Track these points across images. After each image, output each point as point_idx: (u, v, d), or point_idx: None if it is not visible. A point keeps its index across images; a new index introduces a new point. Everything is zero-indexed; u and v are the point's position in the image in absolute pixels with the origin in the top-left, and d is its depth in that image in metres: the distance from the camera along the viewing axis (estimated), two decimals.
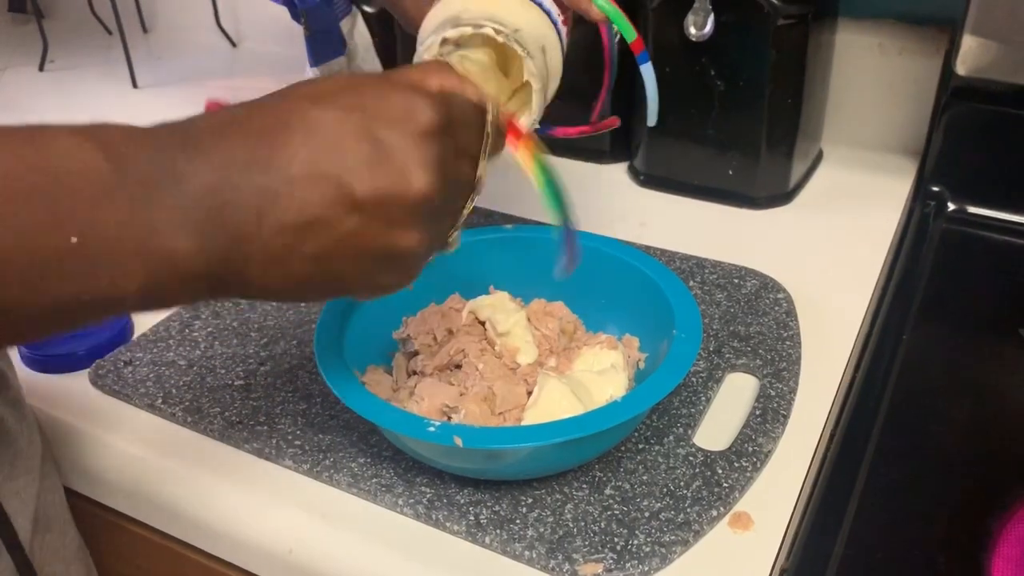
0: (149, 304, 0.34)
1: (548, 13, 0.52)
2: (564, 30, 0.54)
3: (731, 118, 0.74)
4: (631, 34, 0.56)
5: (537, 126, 0.54)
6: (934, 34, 0.77)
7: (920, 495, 0.51)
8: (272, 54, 1.13)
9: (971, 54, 0.70)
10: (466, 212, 0.42)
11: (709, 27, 0.69)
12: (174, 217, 0.33)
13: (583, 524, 0.47)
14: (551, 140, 0.52)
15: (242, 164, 0.34)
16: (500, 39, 0.49)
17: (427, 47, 0.50)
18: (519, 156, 0.42)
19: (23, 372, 0.60)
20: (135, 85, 1.06)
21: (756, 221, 0.75)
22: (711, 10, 0.69)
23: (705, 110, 0.74)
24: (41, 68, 1.12)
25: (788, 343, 0.59)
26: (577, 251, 0.44)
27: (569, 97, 0.58)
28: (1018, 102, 0.71)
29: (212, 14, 1.15)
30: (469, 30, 0.49)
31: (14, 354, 0.61)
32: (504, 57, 0.52)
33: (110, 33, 1.20)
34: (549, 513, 0.48)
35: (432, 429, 0.45)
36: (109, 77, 1.08)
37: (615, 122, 0.62)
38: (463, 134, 0.39)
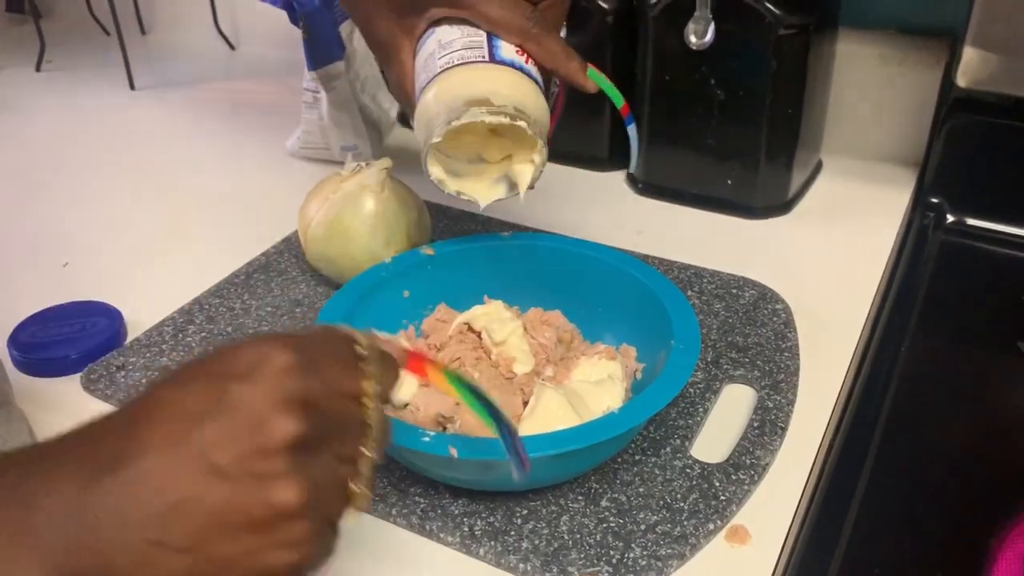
0: None
1: (529, 74, 0.53)
2: (552, 91, 0.57)
3: (731, 127, 0.73)
4: (620, 100, 0.58)
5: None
6: (935, 45, 0.76)
7: (919, 509, 0.51)
8: (271, 58, 1.12)
9: (971, 66, 0.70)
10: (369, 454, 0.35)
11: (710, 36, 0.69)
12: (28, 549, 0.29)
13: (578, 536, 0.47)
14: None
15: (89, 476, 0.30)
16: (530, 131, 0.51)
17: (444, 128, 0.50)
18: (432, 382, 0.40)
19: (15, 376, 0.60)
20: (132, 87, 1.05)
21: (755, 231, 0.75)
22: (712, 19, 0.69)
23: (705, 119, 0.74)
24: (38, 68, 1.12)
25: (786, 354, 0.59)
26: (524, 454, 0.40)
27: None
28: (1018, 114, 0.70)
29: (211, 17, 1.14)
30: (505, 120, 0.50)
31: (5, 357, 0.61)
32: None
33: (108, 34, 1.20)
34: (544, 525, 0.47)
35: (427, 439, 0.45)
36: (106, 78, 1.08)
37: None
38: (328, 369, 0.34)
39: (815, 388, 0.57)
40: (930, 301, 0.67)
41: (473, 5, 0.52)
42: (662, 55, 0.73)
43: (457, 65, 0.51)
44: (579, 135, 0.84)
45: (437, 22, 0.54)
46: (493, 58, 0.52)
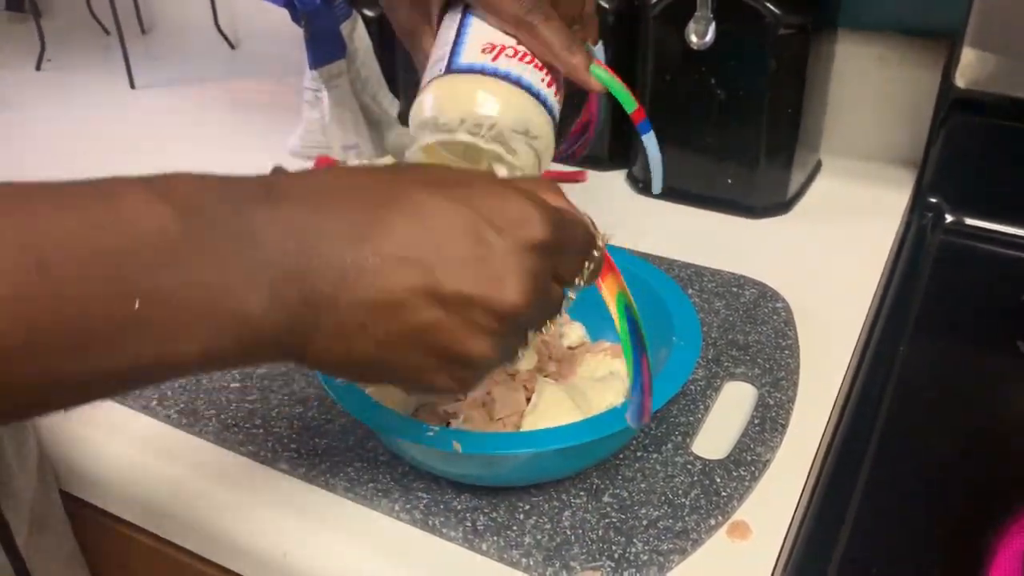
0: (204, 369, 0.33)
1: (528, 88, 0.46)
2: (555, 98, 0.49)
3: (731, 127, 0.74)
4: (631, 104, 0.51)
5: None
6: (934, 46, 0.77)
7: (918, 506, 0.51)
8: (271, 56, 1.12)
9: (970, 66, 0.70)
10: (542, 335, 0.40)
11: (710, 36, 0.70)
12: (247, 278, 0.31)
13: (580, 532, 0.47)
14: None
15: (331, 233, 0.33)
16: (482, 144, 0.45)
17: (413, 152, 0.47)
18: (604, 290, 0.42)
19: None
20: (133, 86, 1.06)
21: (754, 230, 0.75)
22: (712, 18, 0.69)
23: (705, 118, 0.74)
24: (38, 67, 1.12)
25: (787, 352, 0.59)
26: (650, 403, 0.41)
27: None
28: (1017, 115, 0.71)
29: (211, 16, 1.14)
30: (447, 137, 0.45)
31: None
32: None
33: (108, 33, 1.20)
34: (547, 520, 0.48)
35: (431, 434, 0.45)
36: (107, 77, 1.08)
37: (583, 177, 0.57)
38: (567, 258, 0.38)
39: (815, 386, 0.57)
40: (928, 301, 0.67)
41: None
42: (662, 55, 0.74)
43: (436, 77, 0.47)
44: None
45: (452, 7, 0.49)
46: (450, 67, 0.46)
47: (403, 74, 0.92)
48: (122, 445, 0.55)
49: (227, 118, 1.00)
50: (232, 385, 0.57)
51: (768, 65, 0.70)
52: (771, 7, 0.68)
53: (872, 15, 0.79)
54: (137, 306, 0.29)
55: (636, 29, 0.75)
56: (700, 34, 0.70)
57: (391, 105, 0.92)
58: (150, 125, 0.99)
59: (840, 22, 0.78)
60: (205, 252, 0.31)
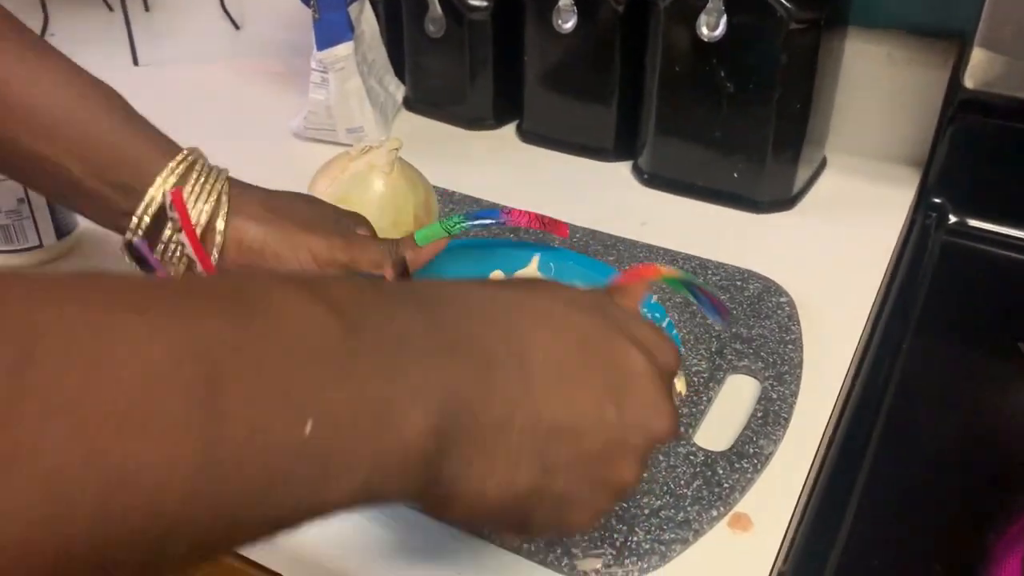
0: (355, 506, 0.28)
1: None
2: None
3: (739, 120, 0.73)
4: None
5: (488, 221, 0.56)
6: (944, 46, 0.77)
7: (919, 503, 0.51)
8: (276, 39, 1.12)
9: (979, 68, 0.70)
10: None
11: (721, 28, 0.69)
12: (411, 388, 0.28)
13: None
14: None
15: (498, 347, 0.31)
16: None
17: None
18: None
19: None
20: (136, 62, 1.05)
21: (759, 225, 0.75)
22: (724, 11, 0.69)
23: (713, 111, 0.74)
24: None
25: (790, 347, 0.59)
26: (722, 305, 0.47)
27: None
28: None
29: None
30: None
31: None
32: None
33: (111, 10, 1.19)
34: None
35: None
36: (110, 53, 1.07)
37: (564, 231, 0.59)
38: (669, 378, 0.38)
39: (818, 380, 0.57)
40: (931, 300, 0.67)
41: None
42: (673, 46, 0.73)
43: None
44: (585, 126, 0.84)
45: None
46: None
47: (409, 58, 0.92)
48: None
49: (229, 98, 0.99)
50: None
51: (779, 59, 0.70)
52: (784, 1, 0.68)
53: (883, 13, 0.79)
54: (308, 430, 0.24)
55: (647, 19, 0.75)
56: (711, 26, 0.70)
57: (397, 89, 0.91)
58: (152, 102, 0.97)
59: (850, 20, 0.77)
60: (372, 361, 0.27)
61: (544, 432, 0.31)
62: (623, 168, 0.84)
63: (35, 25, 1.12)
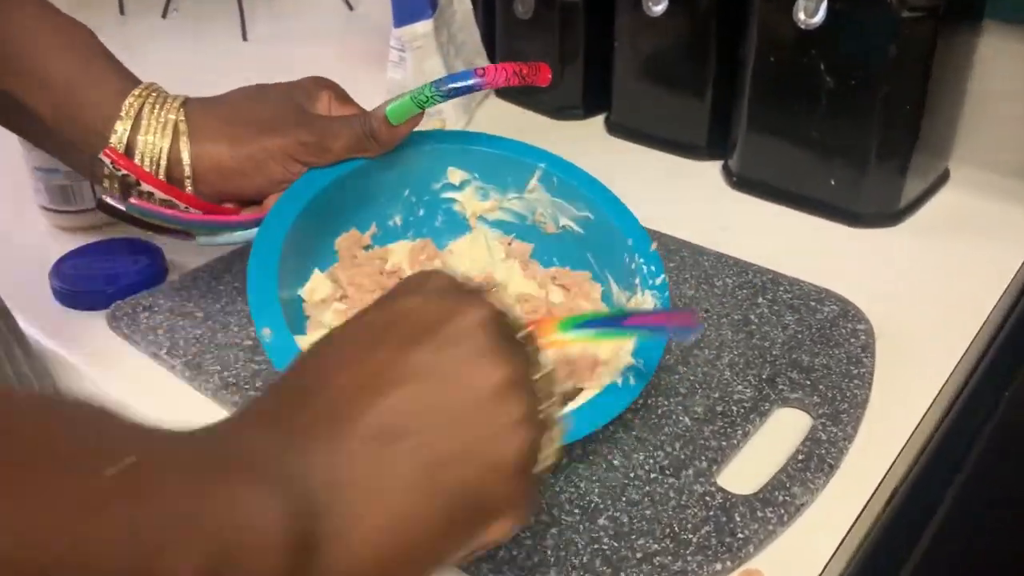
0: None
1: None
2: None
3: (839, 121, 0.65)
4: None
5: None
6: None
7: None
8: (388, 20, 1.10)
9: None
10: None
11: (821, 14, 0.61)
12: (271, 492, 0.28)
13: (563, 555, 0.41)
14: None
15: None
16: None
17: None
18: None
19: (52, 305, 0.60)
20: (245, 38, 1.06)
21: (853, 240, 0.66)
22: None
23: (810, 109, 0.65)
24: (164, 15, 1.14)
25: (856, 382, 0.51)
26: (680, 315, 0.44)
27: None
28: None
29: None
30: None
31: (45, 288, 0.60)
32: None
33: None
34: (528, 535, 0.42)
35: None
36: (223, 28, 1.09)
37: (546, 75, 0.52)
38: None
39: (882, 426, 0.49)
40: None
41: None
42: (769, 35, 0.66)
43: None
44: (676, 120, 0.77)
45: None
46: None
47: (500, 41, 0.87)
48: (123, 389, 0.53)
49: (328, 76, 0.98)
50: (245, 343, 0.55)
51: (887, 52, 0.61)
52: None
53: None
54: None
55: (742, 4, 0.67)
56: (810, 12, 0.62)
57: None
58: (251, 76, 0.98)
59: (987, 13, 0.67)
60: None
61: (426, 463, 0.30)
62: (713, 168, 0.76)
63: (158, 4, 1.15)
